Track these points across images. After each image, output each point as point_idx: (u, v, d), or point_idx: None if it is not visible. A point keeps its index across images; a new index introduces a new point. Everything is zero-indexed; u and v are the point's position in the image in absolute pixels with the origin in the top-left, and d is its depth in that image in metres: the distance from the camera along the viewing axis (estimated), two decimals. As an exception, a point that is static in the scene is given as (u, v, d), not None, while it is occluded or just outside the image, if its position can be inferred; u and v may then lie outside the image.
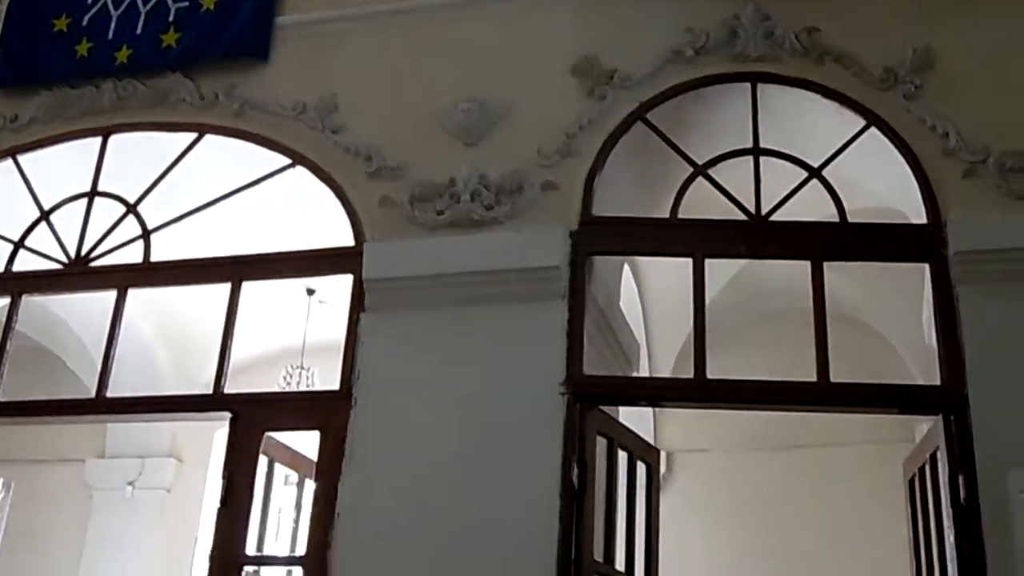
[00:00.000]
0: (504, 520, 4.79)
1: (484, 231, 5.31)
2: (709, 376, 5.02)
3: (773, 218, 5.33)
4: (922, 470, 5.19)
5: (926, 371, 5.57)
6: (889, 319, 8.14)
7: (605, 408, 5.19)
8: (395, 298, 5.30)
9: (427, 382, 5.13)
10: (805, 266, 5.18)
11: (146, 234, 6.01)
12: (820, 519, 8.81)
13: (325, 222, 5.71)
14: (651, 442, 8.63)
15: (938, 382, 4.92)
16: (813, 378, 4.95)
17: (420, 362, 5.18)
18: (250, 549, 5.29)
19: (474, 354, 5.11)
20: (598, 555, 4.86)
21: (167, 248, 6.01)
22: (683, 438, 9.44)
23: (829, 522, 8.78)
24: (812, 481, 8.93)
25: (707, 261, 5.23)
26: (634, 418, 6.17)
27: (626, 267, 7.57)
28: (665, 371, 8.48)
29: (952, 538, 4.65)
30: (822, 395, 4.97)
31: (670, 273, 6.56)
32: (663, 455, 9.25)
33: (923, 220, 5.12)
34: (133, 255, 6.00)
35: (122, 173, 6.24)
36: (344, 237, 5.60)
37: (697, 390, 5.08)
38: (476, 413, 5.00)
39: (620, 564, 5.16)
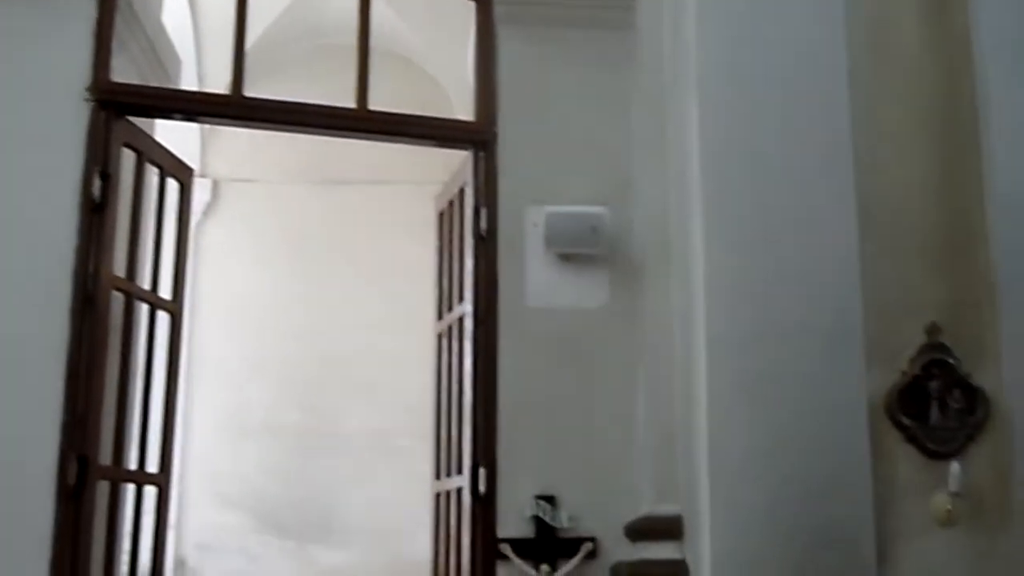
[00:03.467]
0: (18, 231, 4.47)
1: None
2: (247, 94, 4.88)
3: (325, -62, 5.17)
4: (451, 204, 5.41)
5: (469, 111, 5.73)
6: (440, 60, 8.28)
7: (140, 126, 4.92)
8: None
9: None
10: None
11: None
12: (360, 251, 9.03)
13: None
14: (198, 170, 8.46)
15: (473, 119, 5.09)
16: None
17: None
18: None
19: (-11, 52, 4.63)
20: (120, 271, 4.70)
21: None
22: (230, 167, 9.22)
23: (368, 254, 9.02)
24: (355, 215, 9.06)
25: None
26: (179, 145, 5.91)
27: (176, -20, 7.14)
28: (216, 96, 8.17)
29: (471, 265, 4.93)
30: (360, 122, 4.99)
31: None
32: (210, 183, 9.12)
33: (474, -42, 5.17)
34: None
35: None
36: None
37: (234, 107, 4.93)
38: (-11, 116, 4.58)
39: (146, 282, 5.03)
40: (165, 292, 5.17)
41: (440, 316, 5.52)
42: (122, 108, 4.70)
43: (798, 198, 4.34)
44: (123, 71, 4.83)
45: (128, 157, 4.81)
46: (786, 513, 4.05)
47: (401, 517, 8.09)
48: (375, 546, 8.55)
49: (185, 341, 5.60)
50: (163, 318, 5.15)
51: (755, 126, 4.38)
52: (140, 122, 4.93)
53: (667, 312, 4.63)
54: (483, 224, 4.91)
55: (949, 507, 4.22)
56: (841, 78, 4.45)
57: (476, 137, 5.01)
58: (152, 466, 5.05)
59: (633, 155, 4.97)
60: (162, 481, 5.11)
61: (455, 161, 5.33)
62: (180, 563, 8.62)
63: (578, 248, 4.84)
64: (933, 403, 4.38)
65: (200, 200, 8.88)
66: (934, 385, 4.39)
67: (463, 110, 7.03)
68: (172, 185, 5.20)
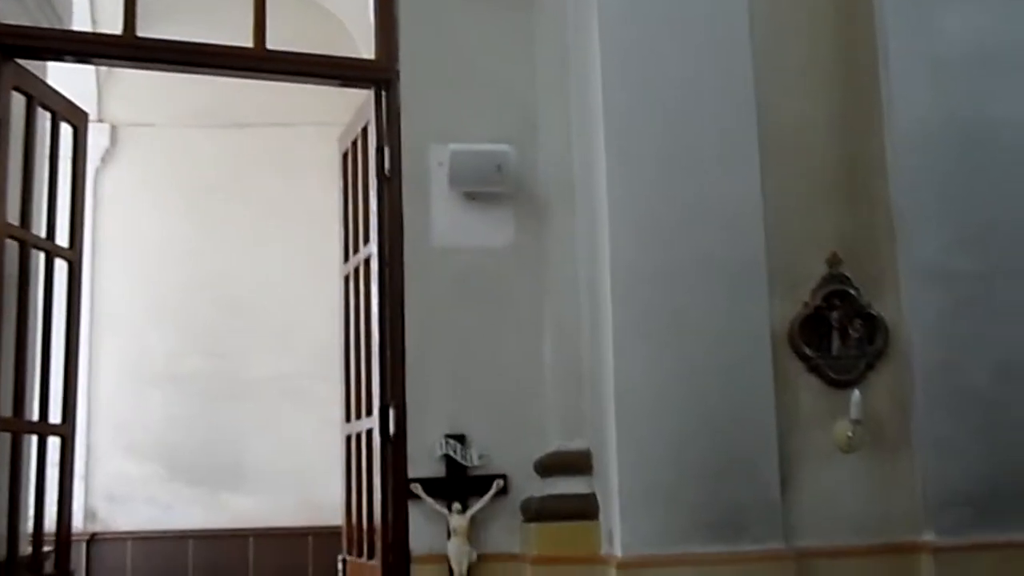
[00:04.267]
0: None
1: None
2: (140, 34, 4.74)
3: None
4: (355, 144, 5.33)
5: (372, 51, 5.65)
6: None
7: (32, 70, 4.77)
8: None
9: None
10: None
11: None
12: (264, 194, 8.90)
13: None
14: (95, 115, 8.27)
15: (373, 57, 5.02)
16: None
17: None
18: None
19: None
20: (13, 219, 4.57)
21: None
22: (129, 111, 8.97)
23: (272, 197, 8.90)
24: (258, 158, 8.92)
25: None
26: (75, 90, 5.74)
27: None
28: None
29: (375, 206, 4.88)
30: (257, 62, 4.87)
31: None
32: (108, 128, 8.90)
33: None
34: None
35: None
36: None
37: (126, 47, 4.76)
38: None
39: (42, 230, 4.91)
40: (62, 240, 5.05)
41: (346, 258, 5.47)
42: (10, 50, 4.54)
43: (700, 135, 4.37)
44: (13, 16, 4.68)
45: (18, 101, 4.66)
46: (692, 444, 4.11)
47: (312, 461, 8.07)
48: (287, 491, 8.54)
49: (86, 289, 5.51)
50: (61, 266, 5.04)
51: (657, 65, 4.40)
52: (32, 66, 4.78)
53: (572, 249, 4.66)
54: (386, 164, 4.85)
55: (850, 433, 4.33)
56: (742, 18, 4.47)
57: (377, 75, 4.94)
58: (55, 417, 4.96)
59: (538, 92, 4.94)
60: (66, 432, 5.02)
61: (359, 100, 5.26)
62: (91, 515, 8.53)
63: (483, 186, 4.81)
64: (834, 333, 4.48)
65: (98, 145, 8.66)
66: (835, 315, 4.48)
67: (367, 50, 6.90)
68: (66, 130, 5.06)
